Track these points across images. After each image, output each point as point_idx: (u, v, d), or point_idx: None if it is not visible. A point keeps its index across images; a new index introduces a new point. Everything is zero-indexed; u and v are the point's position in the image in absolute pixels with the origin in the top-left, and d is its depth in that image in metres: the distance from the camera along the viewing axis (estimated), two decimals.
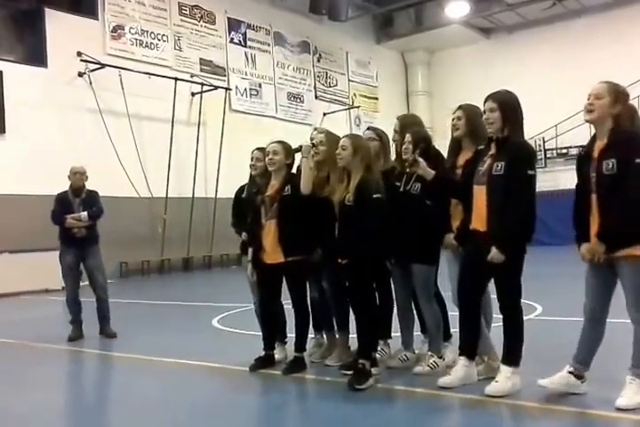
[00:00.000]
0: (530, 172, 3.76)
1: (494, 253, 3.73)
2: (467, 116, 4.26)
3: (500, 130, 3.83)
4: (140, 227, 14.83)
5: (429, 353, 4.55)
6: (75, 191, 6.78)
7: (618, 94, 3.57)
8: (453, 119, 4.35)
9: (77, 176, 6.77)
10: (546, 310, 6.65)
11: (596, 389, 3.77)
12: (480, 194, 3.89)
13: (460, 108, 4.37)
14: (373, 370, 4.29)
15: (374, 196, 4.26)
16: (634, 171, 3.39)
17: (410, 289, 4.62)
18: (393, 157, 4.88)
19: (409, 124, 4.77)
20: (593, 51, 19.65)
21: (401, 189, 4.48)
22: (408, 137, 4.43)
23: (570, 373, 3.73)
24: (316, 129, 5.01)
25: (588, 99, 3.59)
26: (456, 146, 4.44)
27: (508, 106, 3.84)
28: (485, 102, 3.90)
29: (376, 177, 4.41)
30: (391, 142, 4.88)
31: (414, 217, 4.38)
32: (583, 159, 3.71)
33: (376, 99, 22.93)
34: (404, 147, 4.43)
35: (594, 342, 3.75)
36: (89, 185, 6.95)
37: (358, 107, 21.90)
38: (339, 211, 4.41)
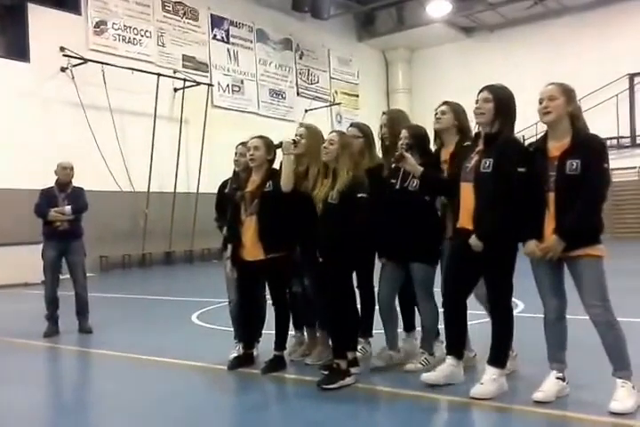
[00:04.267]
0: (520, 169, 3.65)
1: (473, 240, 3.69)
2: (453, 111, 4.27)
3: (489, 123, 3.76)
4: (121, 221, 14.93)
5: (421, 350, 4.50)
6: (61, 186, 6.75)
7: (569, 93, 3.58)
8: (437, 113, 4.32)
9: (66, 171, 6.74)
10: (527, 306, 6.55)
11: (577, 390, 3.71)
12: (467, 191, 3.80)
13: (445, 103, 4.35)
14: (353, 369, 4.20)
15: (359, 195, 4.17)
16: (599, 174, 3.47)
17: (395, 288, 4.55)
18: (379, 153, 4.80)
19: (399, 118, 4.72)
20: (572, 49, 20.09)
21: (397, 187, 4.36)
22: (404, 132, 4.34)
23: (558, 378, 3.66)
24: (301, 124, 4.90)
25: (541, 102, 3.58)
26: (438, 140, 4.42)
27: (502, 100, 3.77)
28: (480, 93, 3.82)
29: (362, 176, 4.31)
30: (376, 138, 4.78)
31: (413, 214, 4.29)
32: (535, 158, 3.64)
33: (357, 96, 23.20)
34: (400, 142, 4.30)
35: (564, 338, 3.71)
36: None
37: (339, 104, 22.16)
38: (321, 209, 4.28)
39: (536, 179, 3.60)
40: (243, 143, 4.99)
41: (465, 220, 3.83)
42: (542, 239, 3.57)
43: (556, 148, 3.57)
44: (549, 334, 3.72)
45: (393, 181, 4.39)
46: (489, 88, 3.82)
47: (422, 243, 4.29)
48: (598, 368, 3.70)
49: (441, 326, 4.33)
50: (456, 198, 3.92)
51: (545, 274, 3.68)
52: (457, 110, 4.29)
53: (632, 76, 19.73)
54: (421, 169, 4.06)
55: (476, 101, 3.82)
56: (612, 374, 3.52)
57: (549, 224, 3.55)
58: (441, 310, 4.19)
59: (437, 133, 4.39)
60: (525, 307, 6.64)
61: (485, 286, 3.88)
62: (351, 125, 4.92)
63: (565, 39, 20.39)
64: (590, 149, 3.49)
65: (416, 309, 4.68)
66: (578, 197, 3.44)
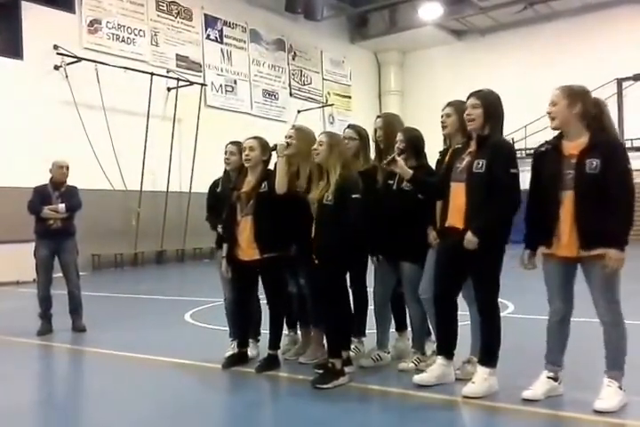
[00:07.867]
0: (512, 170, 3.72)
1: (469, 237, 3.69)
2: (457, 112, 4.15)
3: (480, 127, 3.82)
4: (113, 219, 14.90)
5: (413, 350, 4.56)
6: (55, 185, 6.70)
7: (572, 95, 3.58)
8: (442, 117, 4.29)
9: (62, 170, 6.69)
10: (517, 307, 6.65)
11: (569, 390, 3.75)
12: (458, 191, 3.83)
13: (449, 104, 4.29)
14: (347, 369, 4.22)
15: (353, 196, 4.17)
16: (621, 176, 3.44)
17: (390, 287, 4.60)
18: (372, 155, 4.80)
19: (394, 122, 4.75)
20: (562, 53, 20.22)
21: (394, 187, 4.41)
22: (400, 135, 4.37)
23: (549, 378, 3.69)
24: (293, 126, 4.90)
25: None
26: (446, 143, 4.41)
27: (490, 104, 3.84)
28: (468, 99, 3.90)
29: (355, 176, 4.32)
30: (371, 141, 4.80)
31: (407, 214, 4.33)
32: (548, 157, 3.66)
33: (349, 97, 23.27)
34: (396, 146, 4.33)
35: (564, 341, 3.72)
36: None
37: (332, 105, 22.22)
38: (317, 209, 4.30)
39: (547, 180, 3.61)
40: (233, 142, 5.00)
41: (454, 219, 3.85)
42: (555, 239, 3.57)
43: (571, 146, 3.57)
44: (550, 335, 3.73)
45: (390, 181, 4.45)
46: (476, 94, 3.90)
47: (415, 243, 4.33)
48: (595, 369, 3.72)
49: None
50: (444, 198, 3.95)
51: (555, 275, 3.67)
52: (462, 111, 4.09)
53: (620, 81, 19.95)
54: (411, 172, 4.08)
55: (466, 108, 3.90)
56: (604, 371, 3.55)
57: (565, 221, 3.53)
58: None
59: (446, 135, 4.39)
60: (515, 308, 6.68)
61: (473, 285, 3.90)
62: (348, 127, 4.94)
63: (555, 44, 20.56)
64: (608, 150, 3.47)
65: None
66: (597, 197, 3.43)
